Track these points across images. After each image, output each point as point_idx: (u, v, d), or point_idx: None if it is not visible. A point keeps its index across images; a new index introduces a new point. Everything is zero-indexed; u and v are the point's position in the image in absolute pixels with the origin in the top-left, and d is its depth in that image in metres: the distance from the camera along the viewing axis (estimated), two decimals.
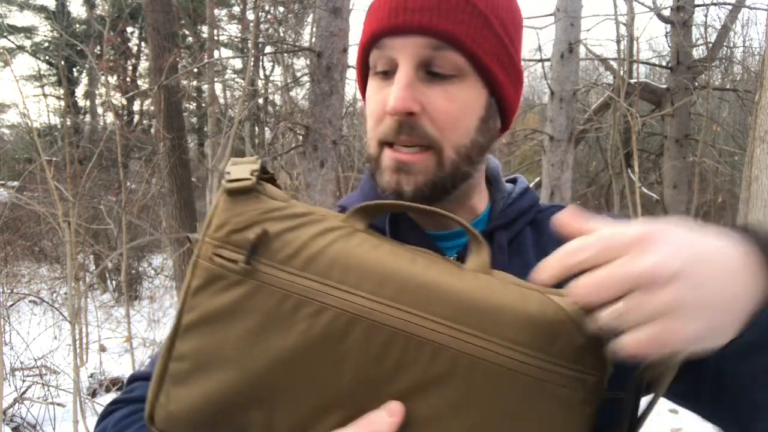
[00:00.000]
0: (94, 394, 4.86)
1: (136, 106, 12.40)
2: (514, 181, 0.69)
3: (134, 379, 0.61)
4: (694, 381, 0.47)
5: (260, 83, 10.89)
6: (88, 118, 13.16)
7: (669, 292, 0.33)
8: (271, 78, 13.19)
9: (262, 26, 5.66)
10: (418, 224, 0.61)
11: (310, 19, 7.89)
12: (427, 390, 0.42)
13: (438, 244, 0.60)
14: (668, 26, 7.29)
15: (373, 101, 0.57)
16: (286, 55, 7.41)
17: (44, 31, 13.38)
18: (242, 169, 0.48)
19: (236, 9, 11.26)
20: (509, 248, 0.60)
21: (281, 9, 5.78)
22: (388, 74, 0.56)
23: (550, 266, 0.38)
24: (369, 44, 0.56)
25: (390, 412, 0.41)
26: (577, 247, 0.37)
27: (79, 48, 7.45)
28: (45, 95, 13.35)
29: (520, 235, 0.62)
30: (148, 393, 0.47)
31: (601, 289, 0.35)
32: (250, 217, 0.46)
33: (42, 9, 13.16)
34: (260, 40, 5.90)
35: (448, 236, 0.61)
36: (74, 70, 13.31)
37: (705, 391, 0.49)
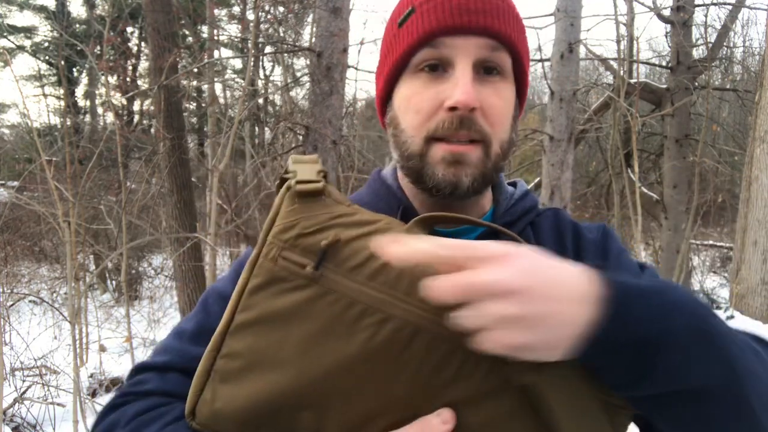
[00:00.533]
0: (94, 394, 4.85)
1: (136, 106, 12.39)
2: (513, 184, 0.72)
3: (142, 368, 0.58)
4: None
5: (260, 83, 10.89)
6: (88, 118, 13.15)
7: (505, 306, 0.38)
8: (271, 78, 13.18)
9: (262, 26, 5.66)
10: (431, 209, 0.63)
11: (310, 19, 7.89)
12: (480, 402, 0.42)
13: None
14: (668, 26, 7.28)
15: (421, 97, 0.57)
16: (286, 55, 7.40)
17: (44, 31, 13.39)
18: (309, 169, 0.48)
19: (236, 9, 11.26)
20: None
21: (281, 9, 5.77)
22: (437, 71, 0.57)
23: (417, 251, 0.40)
24: (422, 42, 0.56)
25: (443, 420, 0.42)
26: (449, 245, 0.40)
27: (79, 48, 7.44)
28: (45, 95, 13.34)
29: (522, 233, 0.64)
30: (188, 389, 0.47)
31: (453, 290, 0.38)
32: (319, 221, 0.46)
33: (42, 9, 13.17)
34: (260, 40, 5.90)
35: (456, 233, 0.62)
36: (74, 70, 13.31)
37: None
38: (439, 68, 0.57)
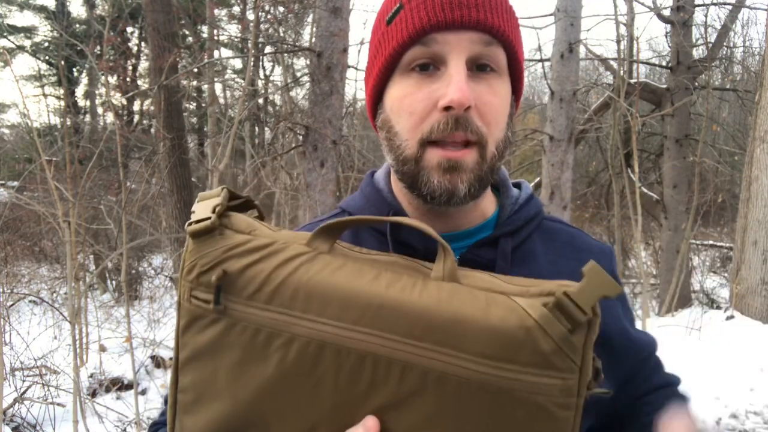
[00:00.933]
0: (94, 394, 4.85)
1: (136, 106, 12.40)
2: (518, 185, 0.68)
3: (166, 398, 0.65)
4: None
5: (260, 83, 10.89)
6: (88, 118, 13.15)
7: None
8: (271, 78, 13.18)
9: (262, 26, 5.66)
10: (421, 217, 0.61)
11: (310, 19, 7.89)
12: (401, 406, 0.43)
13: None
14: (668, 26, 7.28)
15: (414, 98, 0.54)
16: (286, 55, 7.40)
17: (44, 31, 13.38)
18: (205, 207, 0.49)
19: (236, 9, 11.26)
20: (513, 255, 0.60)
21: (281, 9, 5.77)
22: (429, 70, 0.54)
23: None
24: (413, 39, 0.53)
25: (366, 429, 0.43)
26: None
27: (79, 48, 7.44)
28: (45, 95, 13.35)
29: (527, 242, 0.62)
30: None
31: None
32: (213, 257, 0.47)
33: (42, 9, 13.16)
34: (260, 40, 5.90)
35: (449, 239, 0.59)
36: (74, 70, 13.31)
37: None
38: (430, 67, 0.54)
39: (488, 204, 0.64)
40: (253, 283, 0.46)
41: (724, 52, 8.84)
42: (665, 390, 0.65)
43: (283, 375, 0.45)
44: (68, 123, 7.26)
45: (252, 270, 0.47)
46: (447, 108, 0.52)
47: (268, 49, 6.88)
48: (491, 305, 0.42)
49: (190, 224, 0.48)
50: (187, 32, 7.96)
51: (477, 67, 0.54)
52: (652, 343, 0.67)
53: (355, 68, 6.65)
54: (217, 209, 0.49)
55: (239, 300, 0.46)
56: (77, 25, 13.29)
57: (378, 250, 0.53)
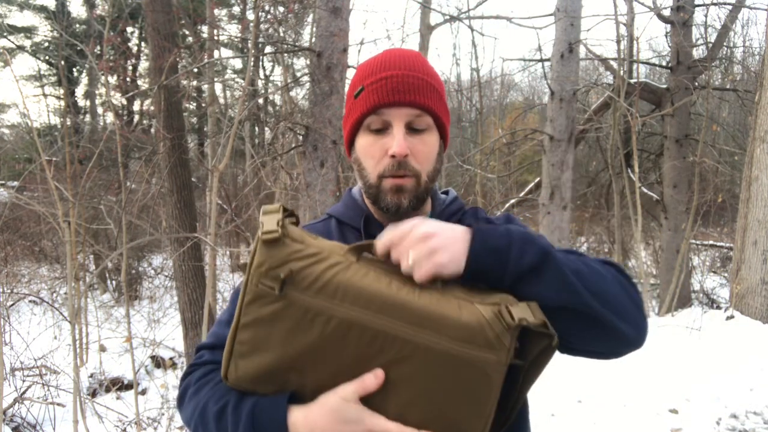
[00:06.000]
0: (94, 394, 4.85)
1: (136, 106, 12.40)
2: (447, 192, 1.01)
3: (200, 348, 0.91)
4: None
5: (260, 83, 10.89)
6: (88, 118, 13.14)
7: (429, 241, 0.69)
8: (271, 78, 13.19)
9: (262, 26, 5.66)
10: (383, 224, 0.89)
11: (310, 19, 7.89)
12: (399, 364, 0.68)
13: None
14: (668, 26, 7.28)
15: (372, 149, 0.86)
16: (286, 55, 7.40)
17: (44, 31, 13.37)
18: (269, 220, 0.72)
19: (236, 9, 11.26)
20: None
21: (281, 9, 5.77)
22: (380, 132, 0.85)
23: (381, 243, 0.72)
24: (370, 112, 0.84)
25: (375, 375, 0.68)
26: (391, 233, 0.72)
27: (79, 48, 7.44)
28: (45, 95, 13.35)
29: None
30: (222, 360, 0.75)
31: (391, 237, 0.71)
32: (279, 259, 0.70)
33: (42, 9, 13.15)
34: (260, 40, 5.90)
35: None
36: (74, 70, 13.31)
37: None
38: (381, 131, 0.85)
39: (427, 208, 0.94)
40: (307, 279, 0.69)
41: (724, 52, 8.84)
42: None
43: (322, 340, 0.69)
44: (68, 123, 7.26)
45: (308, 270, 0.69)
46: (393, 156, 0.83)
47: (268, 49, 6.88)
48: (462, 307, 0.68)
49: (263, 233, 0.70)
50: (187, 32, 7.96)
51: (413, 129, 0.85)
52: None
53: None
54: (279, 223, 0.71)
55: (297, 290, 0.69)
56: (77, 25, 13.30)
57: (355, 241, 0.82)
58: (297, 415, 0.71)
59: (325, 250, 0.72)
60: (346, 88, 5.59)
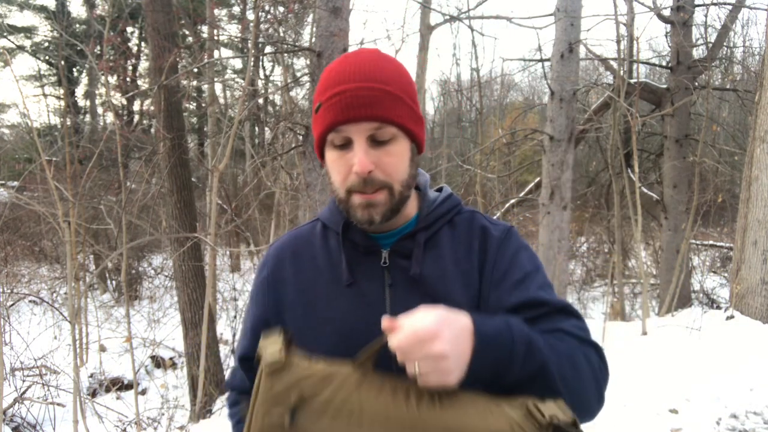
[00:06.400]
0: (94, 394, 4.86)
1: (136, 106, 12.40)
2: (440, 189, 0.97)
3: (236, 358, 0.97)
4: None
5: (260, 83, 10.89)
6: (88, 118, 13.15)
7: (442, 363, 0.64)
8: (271, 78, 13.19)
9: (262, 26, 5.66)
10: (363, 228, 0.87)
11: (310, 19, 7.89)
12: None
13: (377, 242, 0.88)
14: (668, 26, 7.28)
15: (338, 164, 0.83)
16: (286, 55, 7.40)
17: (44, 31, 13.37)
18: (272, 346, 0.70)
19: (236, 9, 11.27)
20: (426, 244, 0.87)
21: (281, 9, 5.77)
22: (344, 147, 0.82)
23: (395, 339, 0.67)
24: (329, 130, 0.81)
25: None
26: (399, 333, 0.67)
27: (79, 48, 7.44)
28: (45, 95, 13.36)
29: (438, 234, 0.89)
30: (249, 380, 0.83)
31: (402, 338, 0.65)
32: (287, 385, 0.68)
33: (42, 9, 13.16)
34: (260, 40, 5.90)
35: (384, 236, 0.88)
36: (74, 70, 13.31)
37: None
38: (345, 146, 0.82)
39: (411, 209, 0.91)
40: (318, 405, 0.66)
41: (724, 52, 8.84)
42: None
43: None
44: (68, 123, 7.26)
45: (317, 397, 0.67)
46: (357, 173, 0.80)
47: (268, 49, 6.89)
48: (486, 413, 0.65)
49: (266, 366, 0.69)
50: (187, 32, 7.96)
51: (376, 141, 0.81)
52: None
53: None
54: (282, 351, 0.69)
55: (307, 416, 0.66)
56: (77, 25, 13.30)
57: (336, 245, 0.89)
58: None
59: (333, 371, 0.69)
60: None
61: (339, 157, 0.82)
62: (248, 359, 0.90)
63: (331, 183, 0.86)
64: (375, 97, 0.79)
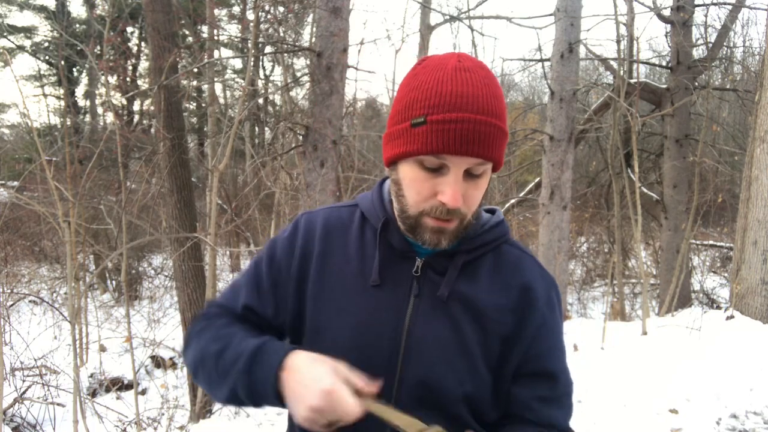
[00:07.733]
0: (94, 394, 4.86)
1: (136, 106, 12.40)
2: (492, 211, 0.94)
3: (211, 305, 0.94)
4: None
5: (260, 83, 10.89)
6: (88, 118, 13.15)
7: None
8: (271, 78, 13.19)
9: (262, 26, 5.66)
10: (401, 233, 0.86)
11: (310, 19, 7.90)
12: None
13: (415, 248, 0.86)
14: (668, 26, 7.28)
15: (420, 185, 0.79)
16: (286, 55, 7.41)
17: (44, 31, 13.36)
18: None
19: (236, 9, 11.26)
20: (463, 268, 0.86)
21: (281, 9, 5.77)
22: (435, 171, 0.78)
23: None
24: (430, 153, 0.76)
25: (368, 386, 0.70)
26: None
27: (79, 48, 7.44)
28: (45, 95, 13.35)
29: (480, 259, 0.87)
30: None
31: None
32: None
33: (42, 9, 13.15)
34: (260, 40, 5.90)
35: (429, 252, 0.86)
36: (74, 70, 13.31)
37: None
38: (437, 170, 0.77)
39: None
40: None
41: (724, 52, 8.83)
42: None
43: None
44: (68, 123, 7.26)
45: None
46: (444, 203, 0.77)
47: (268, 49, 6.89)
48: None
49: None
50: (187, 32, 7.96)
51: (470, 174, 0.78)
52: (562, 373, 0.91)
53: (355, 68, 6.63)
54: None
55: None
56: (77, 25, 13.30)
57: (372, 240, 0.87)
58: (295, 356, 0.75)
59: None
60: (347, 88, 5.60)
61: (425, 179, 0.78)
62: (254, 312, 0.89)
63: (401, 196, 0.82)
64: (491, 135, 0.76)
